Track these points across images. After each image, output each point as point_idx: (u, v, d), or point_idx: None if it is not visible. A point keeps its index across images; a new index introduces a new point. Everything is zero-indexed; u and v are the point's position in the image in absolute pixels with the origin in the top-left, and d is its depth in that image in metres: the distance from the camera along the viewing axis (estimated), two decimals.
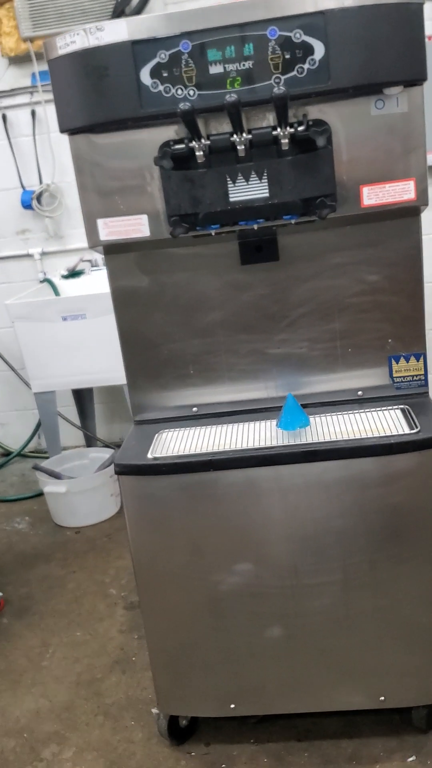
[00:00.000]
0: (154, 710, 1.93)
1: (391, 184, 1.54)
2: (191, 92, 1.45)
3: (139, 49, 1.44)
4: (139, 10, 3.37)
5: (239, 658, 1.80)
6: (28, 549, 3.14)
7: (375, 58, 1.43)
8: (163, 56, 1.44)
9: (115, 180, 1.58)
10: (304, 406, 1.72)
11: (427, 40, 1.48)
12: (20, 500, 3.61)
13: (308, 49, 1.41)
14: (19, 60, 3.54)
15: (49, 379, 3.25)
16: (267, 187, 1.50)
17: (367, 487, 1.63)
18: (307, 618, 1.74)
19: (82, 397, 3.80)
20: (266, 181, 1.49)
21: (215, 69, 1.44)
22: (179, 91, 1.45)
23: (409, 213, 1.63)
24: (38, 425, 3.94)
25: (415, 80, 1.47)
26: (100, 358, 3.05)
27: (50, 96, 1.57)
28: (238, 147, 1.47)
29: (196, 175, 1.51)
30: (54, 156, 3.62)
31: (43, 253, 3.81)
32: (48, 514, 3.35)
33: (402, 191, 1.55)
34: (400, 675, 1.78)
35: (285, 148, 1.47)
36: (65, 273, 3.62)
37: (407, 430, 1.62)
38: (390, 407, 1.75)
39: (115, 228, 1.61)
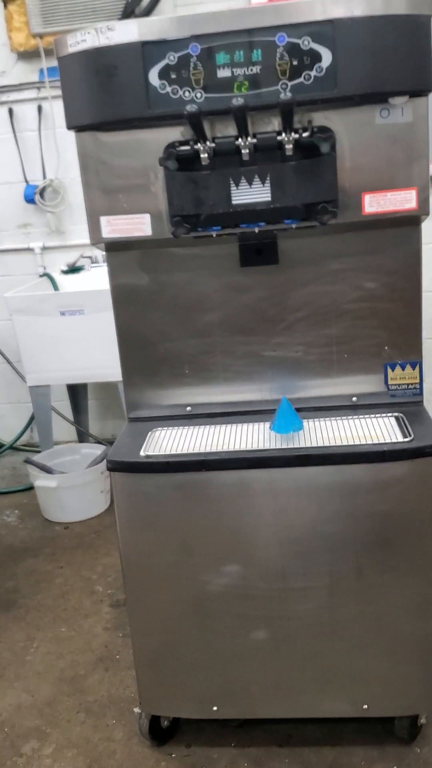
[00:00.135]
0: (136, 710, 1.93)
1: (392, 192, 1.55)
2: (198, 95, 1.46)
3: (148, 51, 1.45)
4: (148, 11, 3.38)
5: (223, 660, 1.80)
6: (17, 542, 3.13)
7: (382, 68, 1.44)
8: (172, 58, 1.45)
9: (120, 178, 1.59)
10: (299, 410, 1.73)
11: None
12: (10, 493, 3.61)
13: (316, 57, 1.42)
14: (27, 55, 3.54)
15: (44, 373, 3.25)
16: (269, 191, 1.51)
17: (358, 493, 1.64)
18: (293, 622, 1.74)
19: (76, 393, 3.80)
20: (269, 185, 1.50)
21: (223, 73, 1.45)
22: (187, 93, 1.46)
23: (410, 222, 1.64)
24: (31, 419, 3.94)
25: (420, 91, 1.48)
26: (96, 354, 3.05)
27: (57, 92, 1.58)
28: (243, 150, 1.48)
29: (199, 176, 1.52)
30: (58, 152, 3.62)
31: (44, 248, 3.81)
32: (37, 508, 3.34)
33: (403, 200, 1.56)
34: (383, 684, 1.78)
35: (289, 153, 1.48)
36: (65, 268, 3.62)
37: (400, 438, 1.63)
38: (384, 415, 1.76)
39: (117, 226, 1.62)
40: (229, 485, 1.66)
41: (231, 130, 1.49)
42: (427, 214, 1.58)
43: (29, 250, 3.83)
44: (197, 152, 1.49)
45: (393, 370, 1.78)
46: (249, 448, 1.67)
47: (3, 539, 3.18)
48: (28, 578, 2.83)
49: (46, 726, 2.07)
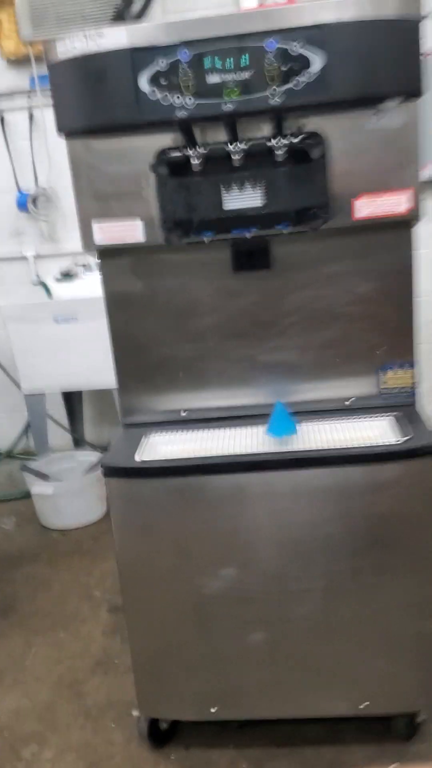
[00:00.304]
0: (135, 713, 1.93)
1: (383, 197, 1.56)
2: (189, 101, 1.47)
3: (138, 56, 1.46)
4: (139, 17, 3.39)
5: (221, 662, 1.80)
6: (14, 549, 3.13)
7: (372, 72, 1.46)
8: (162, 64, 1.46)
9: (111, 184, 1.60)
10: (293, 413, 1.73)
11: (426, 55, 1.51)
12: (7, 501, 3.60)
13: (305, 62, 1.43)
14: (18, 63, 3.55)
15: (39, 380, 3.25)
16: (261, 196, 1.52)
17: (353, 495, 1.65)
18: (291, 623, 1.75)
19: (72, 400, 3.79)
20: (260, 190, 1.51)
21: (213, 78, 1.46)
22: (177, 99, 1.47)
23: (401, 226, 1.65)
24: (27, 426, 3.93)
25: (411, 94, 1.49)
26: (90, 361, 3.05)
27: (48, 99, 1.58)
28: (234, 156, 1.49)
29: (191, 182, 1.53)
30: (50, 159, 3.63)
31: (37, 256, 3.81)
32: (35, 515, 3.34)
33: (394, 204, 1.57)
34: (381, 682, 1.79)
35: (280, 158, 1.49)
36: (59, 276, 3.62)
37: (394, 440, 1.64)
38: (378, 417, 1.76)
39: (109, 232, 1.62)
40: (224, 489, 1.67)
41: (222, 135, 1.50)
42: (419, 218, 1.60)
43: (22, 258, 3.82)
44: (188, 158, 1.50)
45: (386, 373, 1.79)
46: (244, 452, 1.68)
47: (0, 546, 3.17)
48: (26, 584, 2.83)
49: (45, 730, 2.07)
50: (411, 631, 1.74)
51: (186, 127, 1.45)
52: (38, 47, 3.39)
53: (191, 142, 1.48)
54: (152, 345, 1.81)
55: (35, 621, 2.59)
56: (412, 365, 1.78)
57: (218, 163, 1.51)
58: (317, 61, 1.43)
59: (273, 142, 1.47)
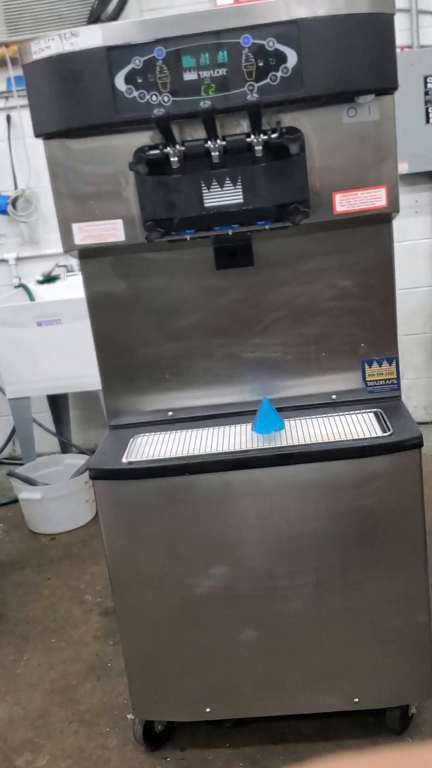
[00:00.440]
0: (130, 716, 1.92)
1: (363, 191, 1.57)
2: (166, 98, 1.46)
3: (113, 55, 1.45)
4: (114, 17, 3.37)
5: (214, 662, 1.80)
6: (3, 556, 3.11)
7: (347, 67, 1.46)
8: (137, 62, 1.45)
9: (90, 185, 1.59)
10: (279, 409, 1.73)
11: (399, 50, 1.51)
12: None
13: (281, 58, 1.43)
14: None
15: (23, 384, 3.23)
16: (241, 193, 1.52)
17: (341, 489, 1.65)
18: (282, 620, 1.75)
19: (57, 403, 3.78)
20: (240, 187, 1.51)
21: (189, 76, 1.45)
22: (154, 98, 1.46)
23: (381, 220, 1.65)
24: (13, 431, 3.90)
25: (386, 89, 1.50)
26: (75, 364, 3.03)
27: (26, 101, 1.57)
28: (213, 153, 1.48)
29: (171, 180, 1.52)
30: (29, 161, 3.61)
31: (18, 259, 3.78)
32: (23, 520, 3.32)
33: (373, 198, 1.57)
34: (373, 677, 1.79)
35: (259, 154, 1.49)
36: (40, 278, 3.60)
37: (380, 433, 1.65)
38: (363, 411, 1.77)
39: (90, 232, 1.61)
40: (213, 488, 1.66)
41: (200, 133, 1.50)
42: (397, 211, 1.60)
43: (3, 261, 3.80)
44: (167, 156, 1.50)
45: (370, 367, 1.79)
46: (231, 449, 1.67)
47: None
48: (16, 591, 2.81)
49: (39, 738, 2.05)
50: (401, 624, 1.74)
51: (164, 125, 1.45)
52: (14, 48, 3.37)
53: (169, 140, 1.48)
54: (136, 345, 1.81)
55: (26, 628, 2.57)
56: (395, 358, 1.79)
57: (197, 161, 1.50)
58: (293, 57, 1.43)
59: (252, 138, 1.47)
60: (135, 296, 1.77)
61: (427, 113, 3.26)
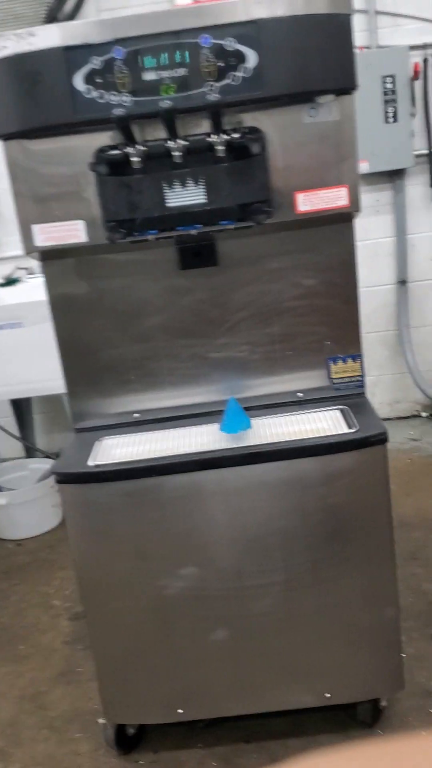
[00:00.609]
0: (101, 720, 1.91)
1: (324, 190, 1.58)
2: (125, 98, 1.45)
3: (71, 55, 1.44)
4: (71, 16, 3.34)
5: (185, 663, 1.80)
6: None
7: (306, 67, 1.47)
8: (96, 62, 1.44)
9: (51, 186, 1.57)
10: (246, 408, 1.73)
11: (357, 50, 1.53)
12: None
13: (241, 58, 1.43)
14: None
15: None
16: (204, 192, 1.51)
17: (308, 487, 1.66)
18: (252, 619, 1.75)
19: (21, 408, 3.72)
20: (203, 187, 1.51)
21: (149, 76, 1.45)
22: (113, 98, 1.45)
23: (343, 219, 1.67)
24: None
25: (345, 89, 1.51)
26: (38, 367, 2.99)
27: None
28: (174, 153, 1.48)
29: (132, 180, 1.51)
30: None
31: None
32: None
33: (335, 198, 1.58)
34: (344, 672, 1.81)
35: (220, 154, 1.49)
36: (1, 281, 3.55)
37: (346, 430, 1.66)
38: (329, 408, 1.78)
39: (51, 234, 1.60)
40: (180, 489, 1.66)
41: (161, 133, 1.49)
42: (359, 211, 1.62)
43: None
44: (128, 156, 1.49)
45: (335, 364, 1.81)
46: (199, 450, 1.67)
47: None
48: None
49: (8, 746, 2.02)
50: (369, 619, 1.76)
51: (124, 125, 1.44)
52: None
53: (130, 140, 1.47)
54: (100, 347, 1.79)
55: None
56: (359, 356, 1.80)
57: (159, 161, 1.50)
58: (252, 57, 1.43)
59: (213, 138, 1.46)
60: (98, 298, 1.76)
61: (386, 113, 3.30)
